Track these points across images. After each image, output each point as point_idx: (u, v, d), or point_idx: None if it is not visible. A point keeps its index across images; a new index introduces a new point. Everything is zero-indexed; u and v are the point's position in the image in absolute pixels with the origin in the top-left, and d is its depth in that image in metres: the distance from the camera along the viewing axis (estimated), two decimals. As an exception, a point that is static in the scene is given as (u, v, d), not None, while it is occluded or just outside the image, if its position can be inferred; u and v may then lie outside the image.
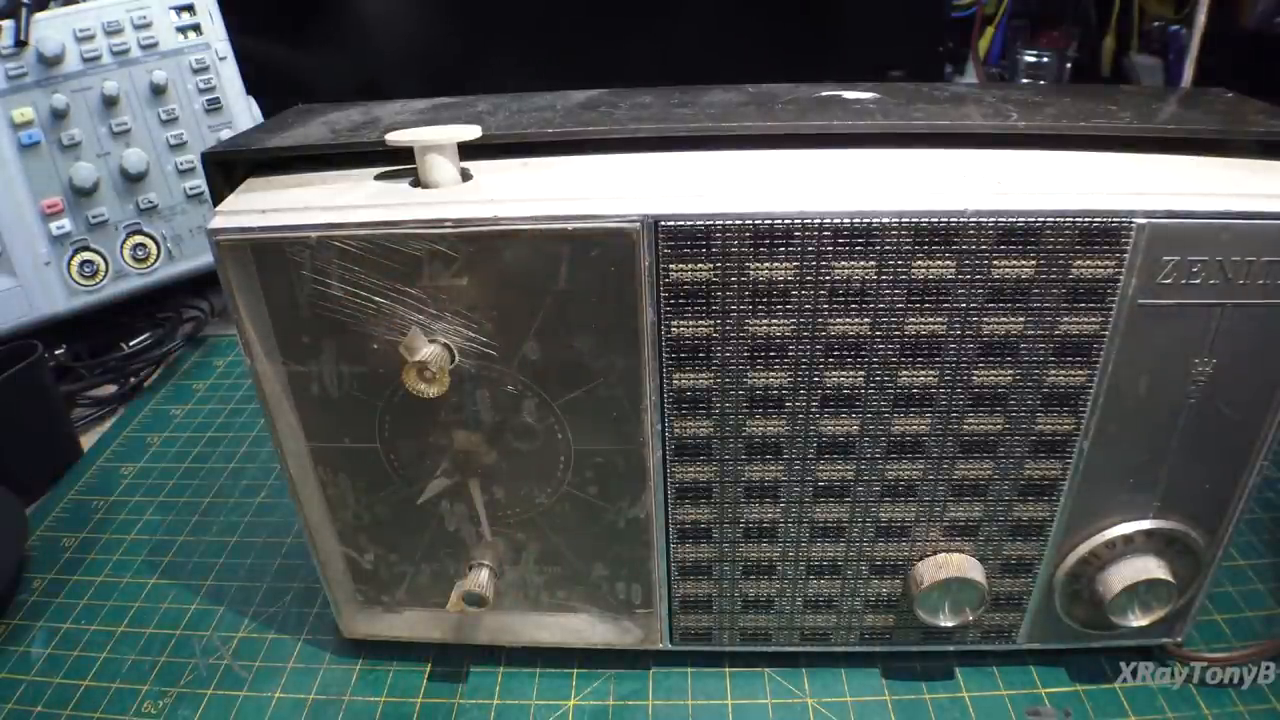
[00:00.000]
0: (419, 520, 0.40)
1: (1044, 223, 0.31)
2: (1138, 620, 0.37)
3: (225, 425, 0.64)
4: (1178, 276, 0.31)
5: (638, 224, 0.32)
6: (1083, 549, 0.37)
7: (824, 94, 0.40)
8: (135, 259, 0.69)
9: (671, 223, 0.32)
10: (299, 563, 0.50)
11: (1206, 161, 0.33)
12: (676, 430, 0.36)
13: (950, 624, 0.38)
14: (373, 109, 0.41)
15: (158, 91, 0.67)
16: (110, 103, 0.66)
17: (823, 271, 0.32)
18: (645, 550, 0.39)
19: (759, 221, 0.31)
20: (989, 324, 0.33)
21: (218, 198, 0.35)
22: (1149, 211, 0.30)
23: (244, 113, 0.71)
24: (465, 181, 0.35)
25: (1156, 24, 0.84)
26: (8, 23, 0.62)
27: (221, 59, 0.70)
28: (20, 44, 0.62)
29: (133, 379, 0.70)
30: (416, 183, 0.34)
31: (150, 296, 0.72)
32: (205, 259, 0.71)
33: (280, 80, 0.77)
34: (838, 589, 0.39)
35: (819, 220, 0.31)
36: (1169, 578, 0.36)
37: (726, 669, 0.42)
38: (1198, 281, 0.31)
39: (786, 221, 0.31)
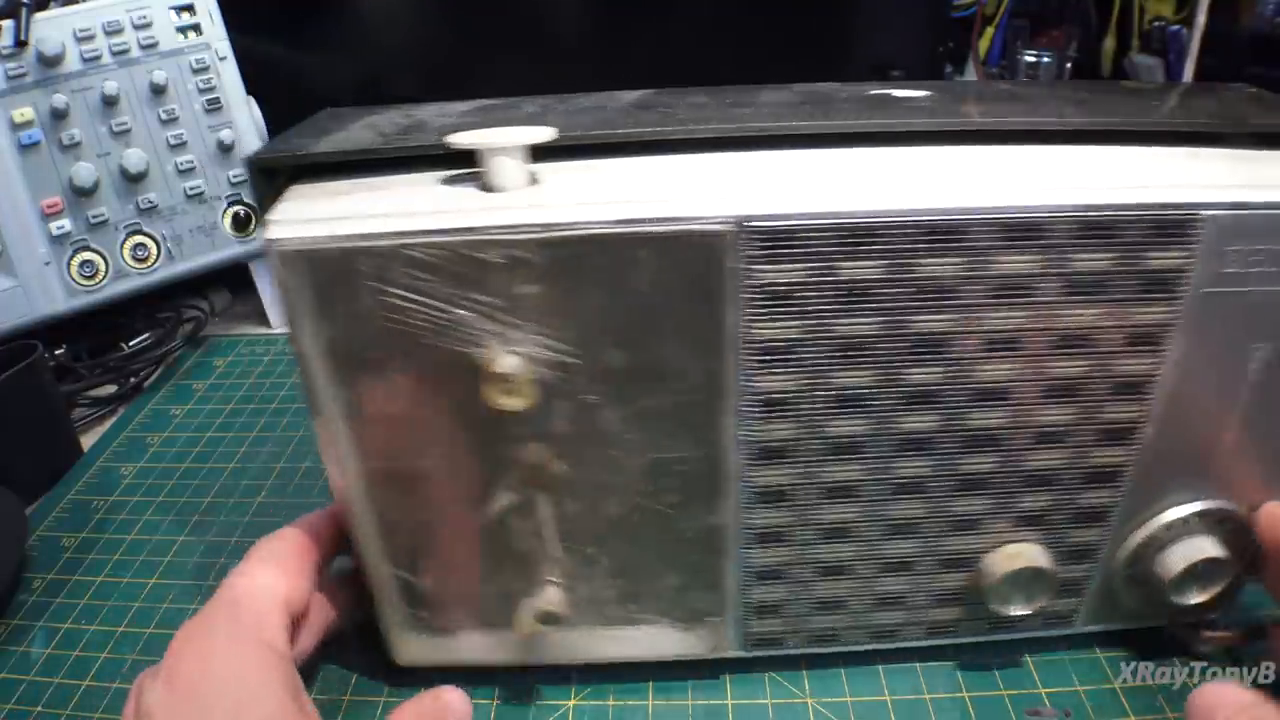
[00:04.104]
0: (484, 539, 0.37)
1: (1121, 216, 0.31)
2: (1196, 598, 0.39)
3: (225, 425, 0.64)
4: (1240, 266, 0.32)
5: (726, 225, 0.31)
6: (1142, 533, 0.38)
7: (873, 93, 0.40)
8: (135, 259, 0.69)
9: (760, 223, 0.31)
10: (299, 563, 0.49)
11: (1254, 155, 0.34)
12: (758, 434, 0.35)
13: (1022, 613, 0.39)
14: (412, 112, 0.40)
15: (158, 91, 0.67)
16: (110, 103, 0.65)
17: (910, 269, 0.32)
18: (719, 558, 0.38)
19: (848, 220, 0.31)
20: (1066, 316, 0.33)
21: (264, 205, 0.34)
22: (1215, 204, 0.31)
23: (244, 113, 0.71)
24: (533, 185, 0.33)
25: (1156, 24, 0.84)
26: (8, 23, 0.62)
27: (221, 59, 0.70)
28: (20, 44, 0.62)
29: (133, 379, 0.70)
30: (484, 187, 0.33)
31: (150, 296, 0.72)
32: (205, 259, 0.71)
33: (280, 80, 0.77)
34: (907, 586, 0.39)
35: (907, 218, 0.31)
36: (1225, 555, 0.37)
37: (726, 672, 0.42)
38: (1257, 270, 0.32)
39: (874, 220, 0.31)
